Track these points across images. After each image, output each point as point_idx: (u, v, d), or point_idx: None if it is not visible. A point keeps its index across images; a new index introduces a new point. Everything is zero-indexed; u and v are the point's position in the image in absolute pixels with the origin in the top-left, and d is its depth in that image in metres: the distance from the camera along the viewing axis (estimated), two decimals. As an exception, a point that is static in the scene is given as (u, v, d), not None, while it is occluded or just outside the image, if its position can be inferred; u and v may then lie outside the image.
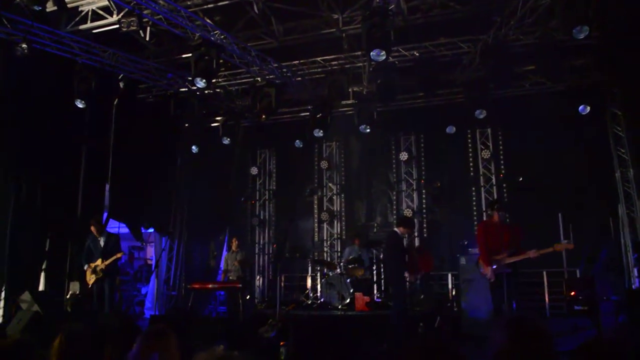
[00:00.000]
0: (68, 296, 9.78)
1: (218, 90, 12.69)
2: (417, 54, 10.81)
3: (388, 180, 14.34)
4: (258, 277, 15.25)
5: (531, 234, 8.61)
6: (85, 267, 9.46)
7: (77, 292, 9.94)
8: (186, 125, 13.31)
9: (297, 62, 11.39)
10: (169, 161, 13.73)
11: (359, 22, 9.37)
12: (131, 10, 8.26)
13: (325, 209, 14.83)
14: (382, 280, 13.22)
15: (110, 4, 8.68)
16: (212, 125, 13.55)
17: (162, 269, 13.17)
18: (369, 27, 8.33)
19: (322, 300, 11.87)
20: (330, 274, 11.90)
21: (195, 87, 10.58)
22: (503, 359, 2.52)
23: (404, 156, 13.96)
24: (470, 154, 13.42)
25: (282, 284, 13.84)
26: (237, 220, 15.26)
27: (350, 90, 11.80)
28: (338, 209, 14.90)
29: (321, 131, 11.49)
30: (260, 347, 7.52)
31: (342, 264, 11.85)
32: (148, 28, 9.33)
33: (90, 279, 9.37)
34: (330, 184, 15.06)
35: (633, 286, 10.48)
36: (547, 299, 10.77)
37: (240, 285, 11.14)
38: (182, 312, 11.47)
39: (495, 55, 9.50)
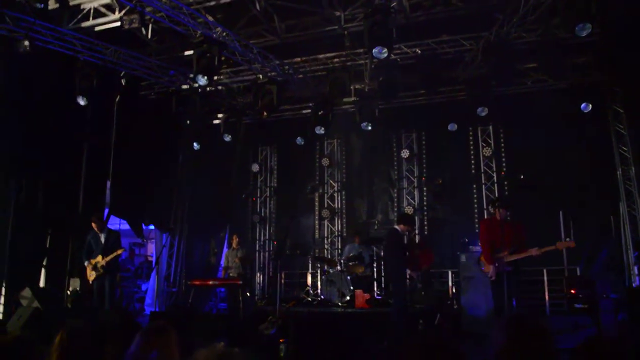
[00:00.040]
0: (68, 292, 9.79)
1: (220, 87, 12.70)
2: (419, 52, 10.79)
3: (389, 177, 14.34)
4: (258, 274, 15.26)
5: (532, 231, 8.60)
6: (86, 263, 9.47)
7: (78, 289, 9.96)
8: (188, 122, 13.29)
9: (299, 59, 11.38)
10: (171, 158, 13.73)
11: (361, 20, 9.35)
12: (133, 7, 8.25)
13: (326, 206, 14.83)
14: (383, 278, 13.24)
15: (113, 1, 8.69)
16: (214, 122, 13.56)
17: (162, 266, 13.18)
18: (370, 24, 8.32)
19: (322, 297, 11.88)
20: (331, 271, 11.91)
21: (197, 85, 10.54)
22: (504, 357, 2.52)
23: (405, 153, 13.96)
24: (472, 152, 13.41)
25: (283, 281, 13.86)
26: (237, 217, 15.26)
27: (351, 87, 11.79)
28: (339, 206, 14.91)
29: (322, 128, 11.49)
30: (261, 344, 7.52)
31: (342, 261, 11.86)
32: (150, 25, 9.31)
33: (91, 275, 9.38)
34: (331, 181, 15.07)
35: (633, 284, 10.47)
36: (547, 297, 10.77)
37: (240, 282, 11.17)
38: (183, 309, 11.48)
39: (497, 53, 9.49)
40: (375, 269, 13.19)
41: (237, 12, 9.66)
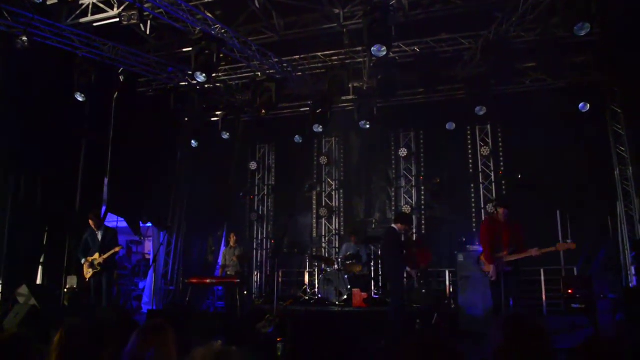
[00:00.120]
0: (66, 290, 9.76)
1: (218, 84, 12.68)
2: (418, 50, 10.80)
3: (387, 176, 14.32)
4: (256, 273, 15.24)
5: (529, 231, 8.60)
6: (83, 261, 9.44)
7: (75, 286, 9.94)
8: (186, 119, 13.29)
9: (298, 57, 11.38)
10: (169, 155, 13.72)
11: (360, 17, 9.35)
12: (132, 3, 8.23)
13: (324, 204, 14.81)
14: (380, 277, 13.23)
15: (111, -3, 8.68)
16: (212, 119, 13.53)
17: (160, 264, 13.17)
18: (370, 22, 8.32)
19: (319, 296, 11.87)
20: (328, 269, 11.91)
21: (195, 81, 10.55)
22: (501, 357, 2.52)
23: (403, 152, 13.95)
24: (470, 151, 13.39)
25: (280, 280, 13.81)
26: (235, 215, 15.23)
27: (350, 85, 11.80)
28: (337, 204, 14.89)
29: (321, 127, 11.47)
30: (258, 343, 7.52)
31: (340, 260, 11.85)
32: (149, 22, 9.30)
33: (88, 273, 9.35)
34: (329, 180, 15.05)
35: (630, 284, 10.49)
36: (544, 297, 10.78)
37: (238, 281, 11.15)
38: (180, 307, 11.47)
39: (496, 52, 9.49)
40: (372, 268, 13.18)
41: (236, 9, 9.65)
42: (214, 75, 10.64)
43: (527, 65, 11.14)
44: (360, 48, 10.76)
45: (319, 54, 11.32)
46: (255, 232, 15.60)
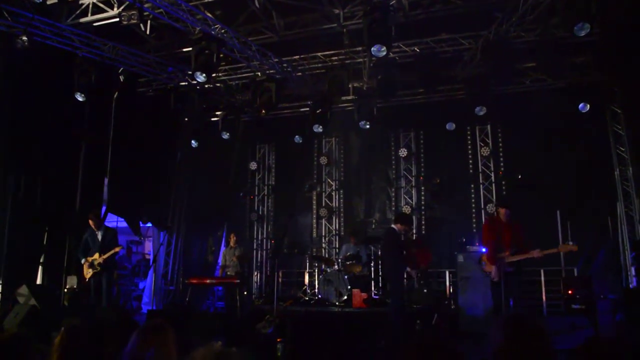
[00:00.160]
0: (65, 290, 9.76)
1: (218, 84, 12.68)
2: (417, 50, 10.80)
3: (387, 176, 14.32)
4: (256, 273, 15.24)
5: (530, 231, 8.58)
6: (83, 261, 9.44)
7: (75, 286, 9.94)
8: (186, 119, 13.28)
9: (298, 57, 11.38)
10: (169, 155, 13.71)
11: (359, 18, 9.34)
12: (132, 3, 8.23)
13: (324, 204, 14.81)
14: (380, 277, 13.23)
15: (111, -3, 8.68)
16: (212, 119, 13.52)
17: (160, 264, 13.17)
18: (369, 22, 8.31)
19: (319, 296, 11.86)
20: (328, 270, 11.90)
21: (195, 81, 10.54)
22: (501, 358, 2.51)
23: (403, 152, 13.94)
24: (470, 151, 13.38)
25: (280, 280, 13.80)
26: (235, 215, 15.23)
27: (350, 85, 11.80)
28: (337, 205, 14.89)
29: (321, 127, 11.47)
30: (258, 343, 7.51)
31: (339, 260, 11.84)
32: (148, 21, 9.29)
33: (88, 273, 9.35)
34: (329, 180, 15.04)
35: (630, 285, 10.48)
36: (544, 298, 10.78)
37: (238, 281, 11.15)
38: (180, 307, 11.46)
39: (496, 52, 9.49)
40: (372, 269, 13.18)
41: (236, 9, 9.65)
42: (213, 75, 10.63)
43: (527, 65, 11.13)
44: (360, 48, 10.76)
45: (319, 54, 11.32)
46: (255, 232, 15.60)
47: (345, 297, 11.18)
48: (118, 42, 10.32)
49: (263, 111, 11.35)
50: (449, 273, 11.71)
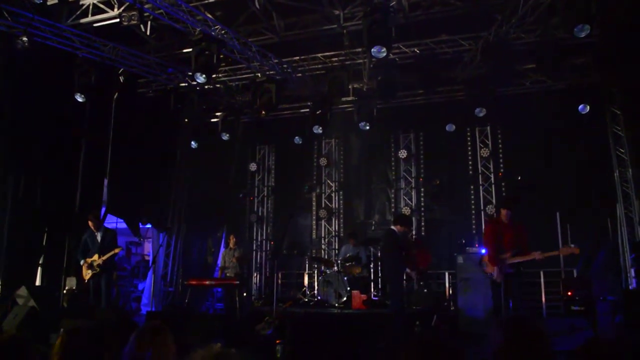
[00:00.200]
0: (65, 291, 9.76)
1: (218, 85, 12.67)
2: (417, 51, 10.80)
3: (387, 177, 14.31)
4: (255, 274, 15.23)
5: (530, 233, 8.58)
6: (82, 262, 9.43)
7: (74, 288, 9.92)
8: (186, 120, 13.27)
9: (298, 58, 11.38)
10: (168, 156, 13.69)
11: (360, 19, 9.34)
12: (132, 4, 8.23)
13: (323, 206, 14.81)
14: (380, 279, 13.22)
15: (111, -3, 8.68)
16: (212, 120, 13.52)
17: (159, 265, 13.15)
18: (370, 23, 8.32)
19: (319, 298, 11.86)
20: (328, 271, 11.89)
21: (195, 82, 10.55)
22: (501, 359, 2.51)
23: (403, 154, 13.94)
24: (470, 152, 13.38)
25: (280, 281, 13.80)
26: (235, 216, 15.23)
27: (350, 86, 11.79)
28: (336, 206, 14.88)
29: (321, 128, 11.48)
30: (257, 344, 7.51)
31: (339, 261, 11.84)
32: (149, 22, 9.28)
33: (87, 274, 9.34)
34: (329, 181, 15.04)
35: (630, 286, 10.47)
36: (544, 299, 10.77)
37: (237, 282, 11.14)
38: (179, 309, 11.46)
39: (496, 53, 9.49)
40: (372, 270, 13.17)
41: (236, 9, 9.65)
42: (213, 76, 10.64)
43: (527, 66, 11.14)
44: (360, 49, 10.75)
45: (319, 55, 11.31)
46: (254, 234, 15.59)
47: (345, 299, 11.17)
48: (118, 43, 10.32)
49: (263, 112, 11.33)
50: (449, 274, 11.70)
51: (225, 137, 12.36)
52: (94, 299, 9.32)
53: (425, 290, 11.06)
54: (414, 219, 13.48)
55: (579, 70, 10.89)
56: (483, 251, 8.49)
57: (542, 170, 11.84)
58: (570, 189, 11.56)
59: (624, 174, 11.36)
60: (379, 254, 12.56)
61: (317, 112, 11.46)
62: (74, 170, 10.83)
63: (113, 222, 13.69)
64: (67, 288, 9.85)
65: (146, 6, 8.47)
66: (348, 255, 11.86)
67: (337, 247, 14.36)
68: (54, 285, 9.99)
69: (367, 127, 11.63)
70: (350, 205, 14.72)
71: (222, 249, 13.56)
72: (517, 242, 7.70)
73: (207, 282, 11.73)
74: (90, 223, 9.47)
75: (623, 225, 11.10)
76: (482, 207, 12.90)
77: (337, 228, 14.75)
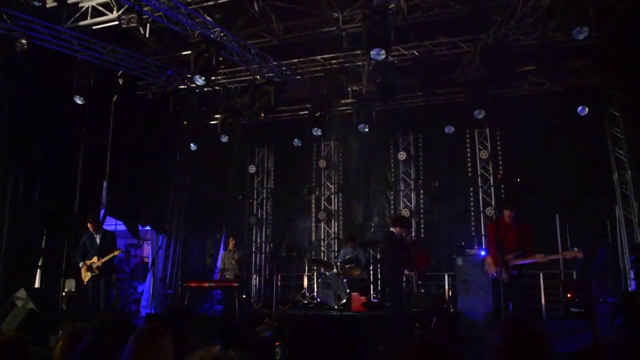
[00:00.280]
0: (64, 293, 9.74)
1: (217, 87, 12.68)
2: (416, 53, 10.81)
3: (386, 179, 14.31)
4: (255, 276, 15.22)
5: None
6: (81, 264, 9.42)
7: (73, 290, 9.91)
8: (185, 122, 13.29)
9: (297, 60, 11.38)
10: (167, 159, 13.69)
11: (359, 21, 9.36)
12: (131, 7, 8.22)
13: (322, 208, 14.81)
14: (379, 281, 13.21)
15: (111, 0, 8.67)
16: (211, 123, 13.52)
17: (158, 267, 13.14)
18: (369, 25, 8.32)
19: (318, 300, 11.85)
20: (327, 273, 11.88)
21: (194, 85, 10.56)
22: (500, 361, 2.50)
23: (402, 156, 13.93)
24: (469, 154, 13.39)
25: (279, 284, 13.78)
26: (234, 218, 15.24)
27: (349, 89, 11.80)
28: (335, 208, 14.88)
29: (320, 130, 11.49)
30: (256, 347, 7.49)
31: (338, 263, 11.83)
32: (148, 25, 9.29)
33: (86, 276, 9.33)
34: (328, 183, 15.04)
35: (629, 288, 10.47)
36: (543, 301, 10.77)
37: (236, 284, 11.12)
38: (178, 311, 11.42)
39: (494, 55, 9.50)
40: (371, 272, 13.16)
41: (235, 12, 9.64)
42: (213, 78, 10.65)
43: (526, 68, 11.15)
44: (359, 51, 10.77)
45: (318, 57, 11.32)
46: (254, 236, 15.58)
47: (344, 301, 11.17)
48: (117, 46, 10.32)
49: (262, 114, 11.35)
50: (448, 276, 11.68)
51: (225, 139, 12.36)
52: (93, 301, 9.31)
53: (424, 292, 11.05)
54: (413, 221, 13.48)
55: (577, 72, 10.93)
56: (483, 253, 8.47)
57: (541, 171, 11.85)
58: (570, 191, 11.57)
59: (622, 175, 11.37)
60: (378, 256, 12.56)
61: (316, 115, 11.47)
62: (74, 172, 10.83)
63: (112, 224, 13.68)
64: (66, 290, 9.83)
65: (145, 9, 8.47)
66: (347, 257, 11.85)
67: (336, 249, 14.36)
68: (53, 287, 9.97)
69: (366, 129, 11.64)
70: (350, 207, 14.72)
71: (221, 251, 13.55)
72: (521, 243, 7.66)
73: (206, 284, 11.71)
74: (89, 225, 9.48)
75: (622, 226, 11.11)
76: (481, 209, 12.90)
77: (336, 230, 14.75)
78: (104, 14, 8.90)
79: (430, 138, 13.90)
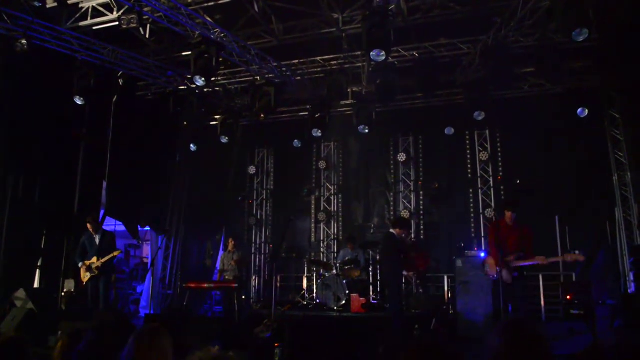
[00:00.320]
0: (63, 294, 9.74)
1: (217, 88, 12.68)
2: (416, 55, 10.81)
3: (386, 181, 14.31)
4: (254, 277, 15.22)
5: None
6: (80, 264, 9.42)
7: (72, 290, 9.91)
8: (185, 123, 13.28)
9: (297, 61, 11.39)
10: (167, 159, 13.70)
11: (359, 22, 9.36)
12: (131, 7, 8.23)
13: (322, 209, 14.80)
14: (378, 282, 13.21)
15: (111, 1, 8.67)
16: (211, 123, 13.52)
17: (158, 268, 13.13)
18: (369, 27, 8.33)
19: (318, 301, 11.85)
20: (327, 274, 11.88)
21: (194, 85, 10.55)
22: (500, 362, 2.50)
23: (402, 157, 13.93)
24: (469, 156, 13.38)
25: (278, 285, 13.77)
26: (234, 219, 15.23)
27: (349, 90, 11.79)
28: (335, 209, 14.88)
29: (320, 131, 11.49)
30: (256, 348, 7.49)
31: (338, 265, 11.83)
32: (148, 25, 9.28)
33: (85, 276, 9.33)
34: (328, 184, 15.04)
35: (629, 290, 10.47)
36: (543, 303, 10.76)
37: (236, 285, 11.12)
38: (178, 312, 11.42)
39: (495, 57, 9.51)
40: (371, 273, 13.16)
41: (235, 13, 9.64)
42: (213, 79, 10.64)
43: (526, 70, 11.15)
44: (359, 53, 10.77)
45: (318, 58, 11.33)
46: (253, 237, 15.57)
47: (344, 302, 11.17)
48: (117, 46, 10.32)
49: (262, 115, 11.35)
50: (448, 278, 11.67)
51: (225, 140, 12.36)
52: (92, 301, 9.30)
53: (423, 293, 11.04)
54: (413, 222, 13.48)
55: (577, 73, 10.94)
56: (482, 254, 8.46)
57: (541, 173, 11.85)
58: (569, 193, 11.57)
59: (622, 177, 11.36)
60: (378, 258, 12.55)
61: (316, 116, 11.47)
62: (74, 172, 10.83)
63: (112, 224, 13.68)
64: (65, 290, 9.83)
65: (145, 9, 8.48)
66: (347, 258, 11.85)
67: (335, 250, 14.35)
68: (52, 287, 9.97)
69: (366, 131, 11.64)
70: (349, 208, 14.71)
71: (221, 252, 13.57)
72: (521, 245, 7.65)
73: (205, 285, 11.70)
74: (88, 225, 9.48)
75: (622, 228, 11.11)
76: (481, 211, 12.90)
77: (336, 231, 14.75)
78: (104, 15, 8.91)
79: (430, 139, 13.90)
